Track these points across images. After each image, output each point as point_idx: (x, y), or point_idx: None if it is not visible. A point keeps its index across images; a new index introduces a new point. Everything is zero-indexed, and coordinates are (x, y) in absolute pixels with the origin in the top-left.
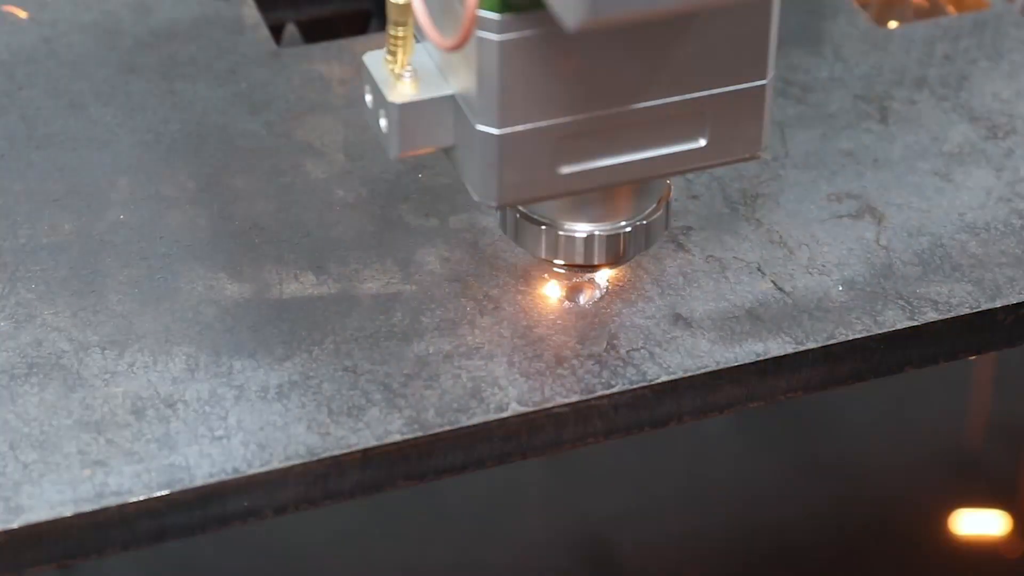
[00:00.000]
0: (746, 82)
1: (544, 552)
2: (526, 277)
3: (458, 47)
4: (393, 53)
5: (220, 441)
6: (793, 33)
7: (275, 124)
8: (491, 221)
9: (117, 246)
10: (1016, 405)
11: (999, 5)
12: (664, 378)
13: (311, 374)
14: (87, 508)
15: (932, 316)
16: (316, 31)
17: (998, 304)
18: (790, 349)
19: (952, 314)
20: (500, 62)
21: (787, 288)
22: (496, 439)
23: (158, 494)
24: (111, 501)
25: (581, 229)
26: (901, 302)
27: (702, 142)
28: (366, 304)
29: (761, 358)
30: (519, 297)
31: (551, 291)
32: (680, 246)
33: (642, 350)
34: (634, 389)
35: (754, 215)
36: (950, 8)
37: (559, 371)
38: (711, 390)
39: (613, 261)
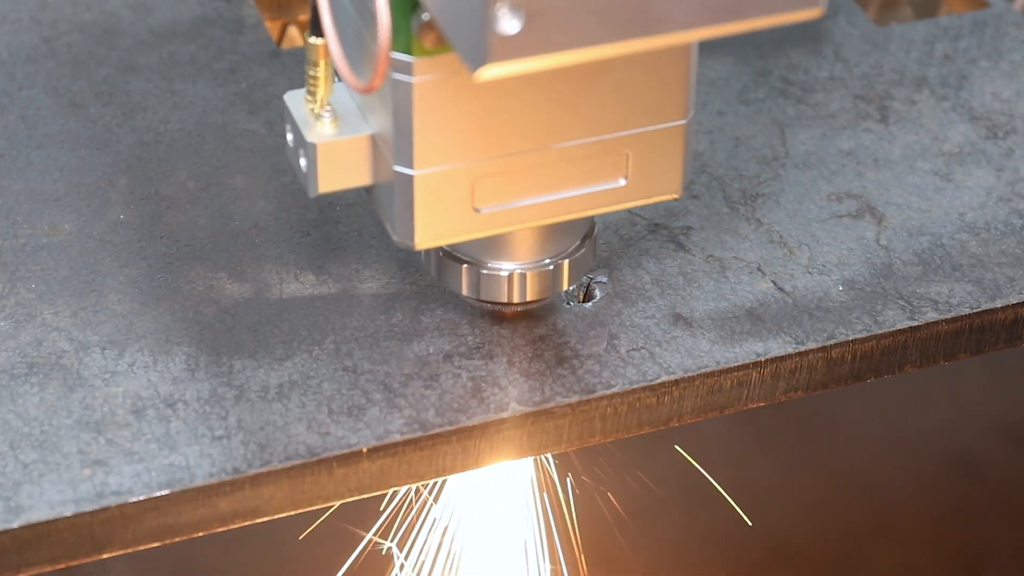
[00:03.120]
0: (665, 122)
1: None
2: None
3: (371, 89)
4: (312, 92)
5: (220, 441)
6: (793, 33)
7: (275, 124)
8: None
9: (117, 246)
10: (1016, 405)
11: (999, 5)
12: (664, 378)
13: (311, 374)
14: (87, 508)
15: (932, 316)
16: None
17: (998, 304)
18: (790, 349)
19: (952, 314)
20: (415, 104)
21: (787, 288)
22: (496, 439)
23: (158, 494)
24: (111, 501)
25: (504, 268)
26: (901, 302)
27: (622, 181)
28: (366, 304)
29: (761, 358)
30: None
31: None
32: (680, 246)
33: (642, 350)
34: (634, 389)
35: (754, 215)
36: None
37: (559, 371)
38: (711, 390)
39: (537, 299)
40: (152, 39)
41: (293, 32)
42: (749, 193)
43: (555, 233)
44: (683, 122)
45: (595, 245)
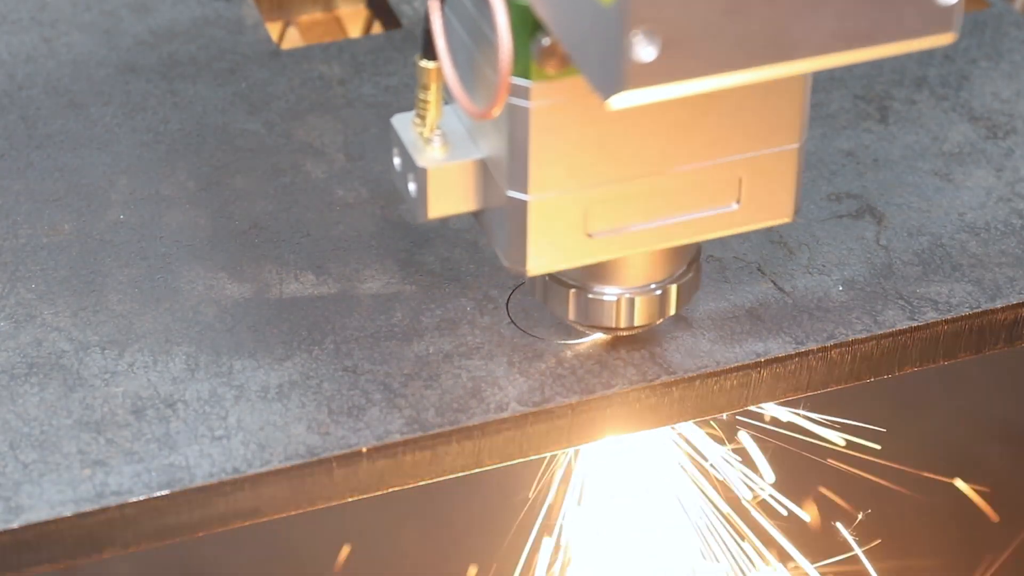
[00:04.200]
0: (779, 145)
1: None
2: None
3: (489, 115)
4: (422, 116)
5: (220, 441)
6: None
7: (275, 124)
8: None
9: (117, 246)
10: (1016, 405)
11: (999, 5)
12: (664, 378)
13: (311, 374)
14: (87, 508)
15: (932, 316)
16: (316, 31)
17: (998, 304)
18: (790, 349)
19: (952, 314)
20: (531, 129)
21: (787, 288)
22: (496, 439)
23: (158, 494)
24: (111, 501)
25: (610, 292)
26: (901, 302)
27: (734, 206)
28: (366, 304)
29: (761, 358)
30: (519, 297)
31: None
32: None
33: (642, 350)
34: (634, 389)
35: None
36: None
37: (559, 371)
38: (711, 390)
39: (644, 324)
40: (152, 39)
41: (293, 32)
42: None
43: (664, 257)
44: (796, 146)
45: (700, 270)
